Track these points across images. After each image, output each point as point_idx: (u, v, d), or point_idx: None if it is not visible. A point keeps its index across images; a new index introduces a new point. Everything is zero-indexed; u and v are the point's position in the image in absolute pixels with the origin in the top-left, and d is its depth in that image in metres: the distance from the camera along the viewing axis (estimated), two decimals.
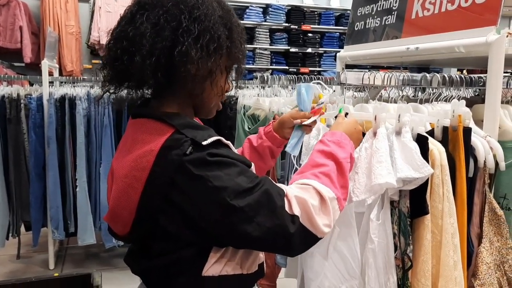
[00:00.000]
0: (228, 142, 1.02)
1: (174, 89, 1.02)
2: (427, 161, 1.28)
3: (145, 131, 0.98)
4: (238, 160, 0.97)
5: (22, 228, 3.44)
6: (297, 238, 0.93)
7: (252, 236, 0.92)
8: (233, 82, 1.15)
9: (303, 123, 1.29)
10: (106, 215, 1.04)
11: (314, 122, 1.31)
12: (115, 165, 1.03)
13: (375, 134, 1.33)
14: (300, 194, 0.95)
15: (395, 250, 1.31)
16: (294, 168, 1.65)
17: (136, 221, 0.96)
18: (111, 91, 1.05)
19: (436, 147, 1.31)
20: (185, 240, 0.96)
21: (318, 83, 1.38)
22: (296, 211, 0.93)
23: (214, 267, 0.98)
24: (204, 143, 0.93)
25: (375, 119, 1.35)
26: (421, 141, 1.31)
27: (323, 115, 1.39)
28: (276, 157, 1.38)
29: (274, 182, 0.99)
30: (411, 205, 1.31)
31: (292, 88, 2.92)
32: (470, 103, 1.51)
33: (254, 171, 1.05)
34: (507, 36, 1.48)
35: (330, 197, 0.98)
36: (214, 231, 0.94)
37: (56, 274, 1.66)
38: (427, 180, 1.27)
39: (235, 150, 1.07)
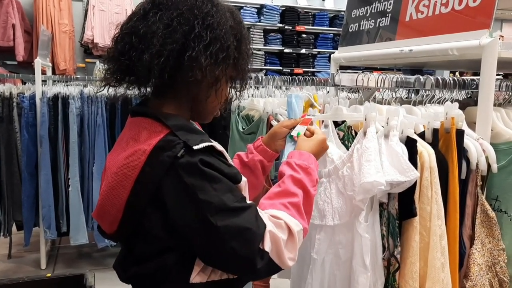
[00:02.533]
0: (222, 149, 1.01)
1: (176, 91, 1.02)
2: (416, 163, 1.29)
3: (141, 129, 0.98)
4: (228, 175, 0.96)
5: (14, 228, 3.41)
6: (262, 271, 0.94)
7: (219, 257, 0.94)
8: (237, 93, 1.14)
9: (294, 135, 1.29)
10: (94, 211, 1.04)
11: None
12: (109, 162, 1.03)
13: (365, 133, 1.34)
14: (274, 230, 0.95)
15: (384, 251, 1.32)
16: None
17: (123, 220, 0.97)
18: (112, 84, 1.03)
19: (425, 149, 1.32)
20: (165, 243, 0.96)
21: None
22: (267, 247, 0.93)
23: (200, 274, 0.98)
24: (195, 147, 0.92)
25: (365, 119, 1.36)
26: (410, 143, 1.32)
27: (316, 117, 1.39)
28: (267, 173, 1.35)
29: (260, 211, 0.98)
30: (399, 208, 1.32)
31: (286, 88, 2.93)
32: (462, 105, 1.52)
33: (246, 185, 1.04)
34: (499, 39, 1.50)
35: (297, 230, 0.99)
36: (190, 239, 0.94)
37: (48, 275, 1.66)
38: (415, 183, 1.28)
39: (229, 159, 1.05)
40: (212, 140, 1.00)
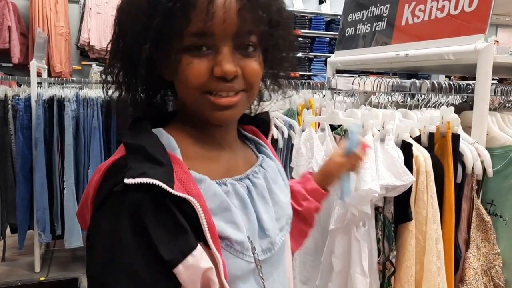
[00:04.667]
0: (187, 197, 0.62)
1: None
2: (412, 167, 1.29)
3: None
4: (156, 251, 0.60)
5: (8, 230, 3.39)
6: None
7: None
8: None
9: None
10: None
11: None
12: None
13: None
14: None
15: (379, 255, 1.32)
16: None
17: None
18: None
19: (421, 154, 1.33)
20: None
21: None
22: None
23: None
24: (127, 181, 0.60)
25: (363, 126, 1.36)
26: (406, 147, 1.32)
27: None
28: (319, 211, 1.06)
29: None
30: (395, 212, 1.32)
31: (282, 91, 2.92)
32: (458, 109, 1.53)
33: (197, 276, 0.63)
34: (494, 43, 1.51)
35: None
36: None
37: (42, 278, 1.64)
38: (411, 187, 1.28)
39: (199, 211, 0.63)
40: (181, 177, 0.65)
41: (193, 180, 0.66)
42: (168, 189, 0.61)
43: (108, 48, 0.74)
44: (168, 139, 0.70)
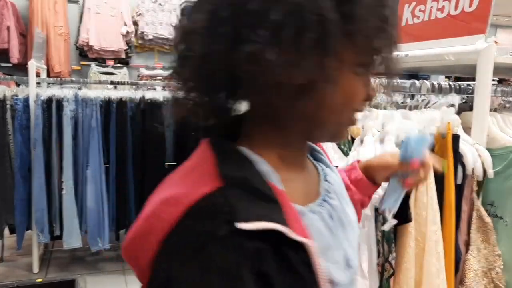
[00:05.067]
0: (306, 242, 0.53)
1: (264, 107, 0.62)
2: None
3: (194, 163, 0.61)
4: None
5: (6, 231, 3.38)
6: None
7: None
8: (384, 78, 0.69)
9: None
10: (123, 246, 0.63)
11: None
12: (153, 194, 0.61)
13: (362, 142, 1.34)
14: None
15: (378, 256, 1.31)
16: None
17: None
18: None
19: None
20: None
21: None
22: None
23: None
24: (241, 226, 0.49)
25: (363, 127, 1.36)
26: None
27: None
28: (365, 207, 0.95)
29: None
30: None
31: None
32: (458, 110, 1.52)
33: None
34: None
35: None
36: None
37: (39, 280, 1.64)
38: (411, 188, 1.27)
39: (315, 256, 0.55)
40: (291, 218, 0.54)
41: (299, 216, 0.56)
42: (291, 234, 0.51)
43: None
44: (258, 163, 0.58)
